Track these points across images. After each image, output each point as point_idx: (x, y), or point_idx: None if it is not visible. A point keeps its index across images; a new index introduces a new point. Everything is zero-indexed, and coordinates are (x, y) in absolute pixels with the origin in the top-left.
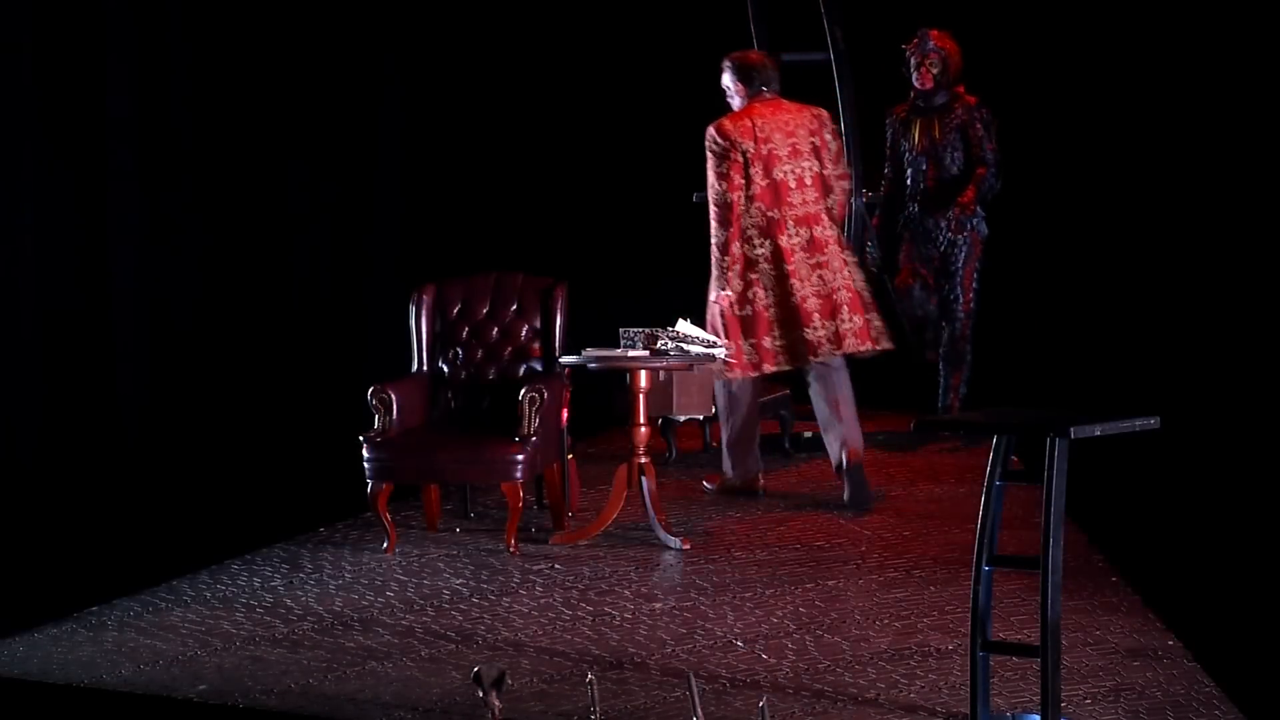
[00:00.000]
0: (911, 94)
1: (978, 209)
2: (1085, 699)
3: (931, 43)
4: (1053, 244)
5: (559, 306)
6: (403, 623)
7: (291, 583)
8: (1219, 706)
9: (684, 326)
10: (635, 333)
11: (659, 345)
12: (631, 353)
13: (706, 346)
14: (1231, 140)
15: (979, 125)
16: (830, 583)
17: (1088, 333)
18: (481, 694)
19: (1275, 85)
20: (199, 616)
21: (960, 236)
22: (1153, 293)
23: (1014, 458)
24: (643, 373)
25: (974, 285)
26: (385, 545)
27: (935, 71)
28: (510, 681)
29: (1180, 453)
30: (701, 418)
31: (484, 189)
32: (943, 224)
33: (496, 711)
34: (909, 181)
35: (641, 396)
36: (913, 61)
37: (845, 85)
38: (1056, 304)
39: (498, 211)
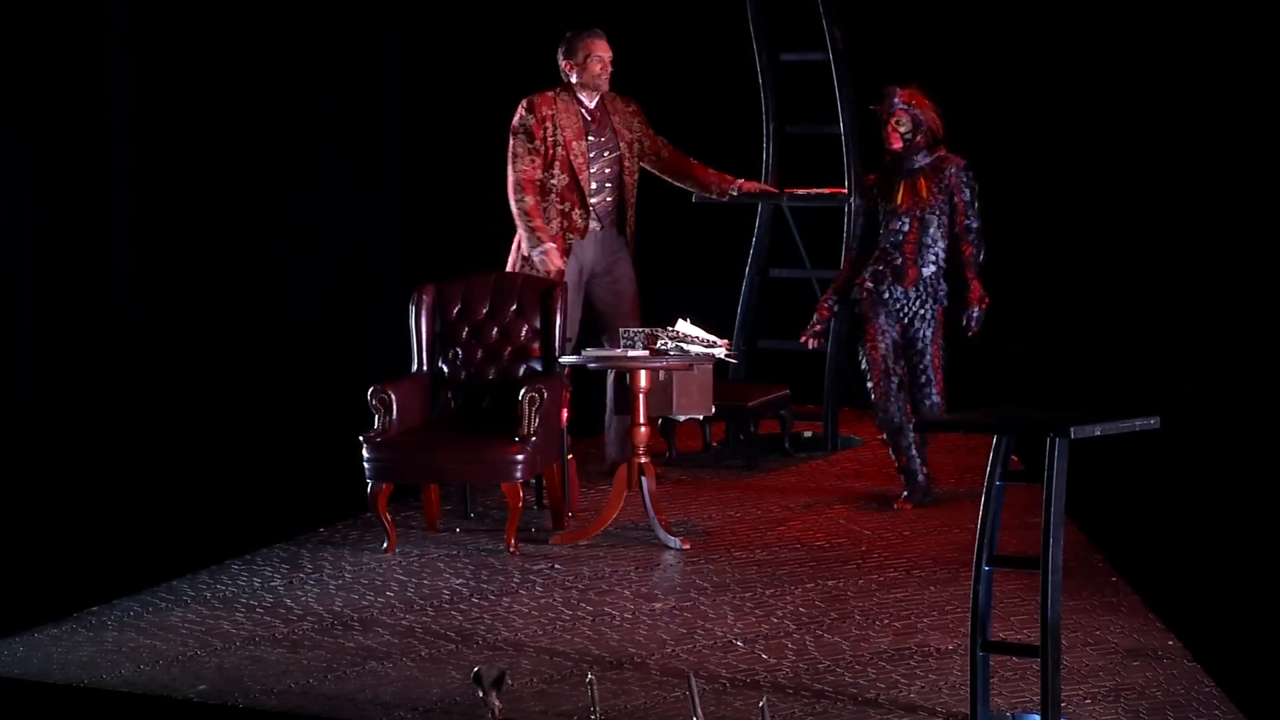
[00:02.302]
0: (885, 159)
1: (943, 282)
2: (1085, 699)
3: (897, 100)
4: (1053, 244)
5: (559, 306)
6: (403, 623)
7: (291, 583)
8: (1219, 706)
9: (684, 326)
10: (635, 333)
11: (659, 345)
12: (631, 353)
13: (706, 346)
14: (1232, 139)
15: (966, 192)
16: (830, 583)
17: (1088, 333)
18: (481, 694)
19: (1273, 86)
20: (199, 616)
21: (925, 309)
22: (1152, 293)
23: (1014, 457)
24: (643, 373)
25: (941, 363)
26: (385, 545)
27: (903, 130)
28: (510, 681)
29: (1180, 453)
30: (701, 418)
31: (484, 189)
32: (911, 294)
33: (496, 711)
34: (883, 245)
35: (641, 396)
36: (882, 121)
37: (844, 86)
38: (1056, 304)
39: (498, 211)
